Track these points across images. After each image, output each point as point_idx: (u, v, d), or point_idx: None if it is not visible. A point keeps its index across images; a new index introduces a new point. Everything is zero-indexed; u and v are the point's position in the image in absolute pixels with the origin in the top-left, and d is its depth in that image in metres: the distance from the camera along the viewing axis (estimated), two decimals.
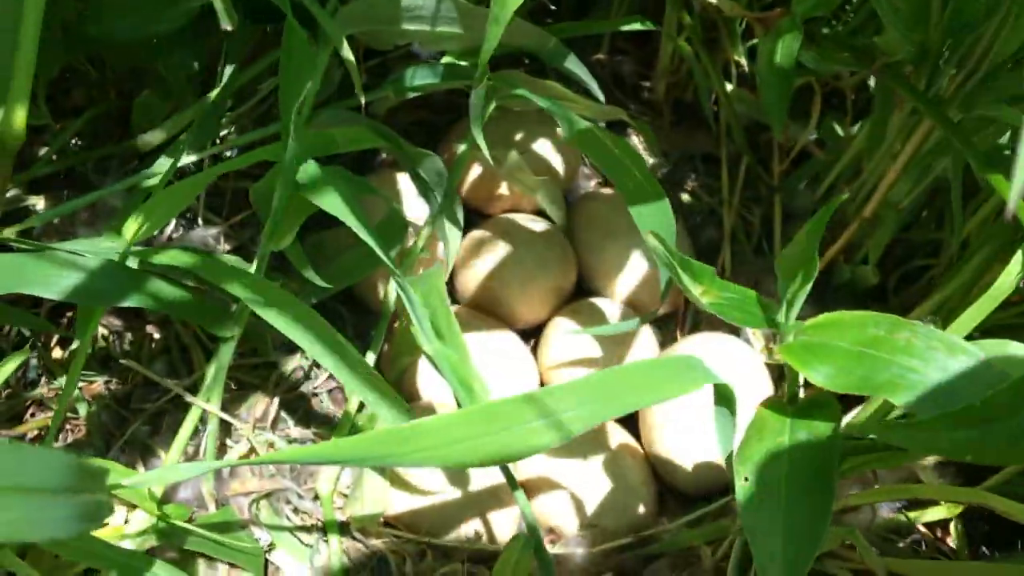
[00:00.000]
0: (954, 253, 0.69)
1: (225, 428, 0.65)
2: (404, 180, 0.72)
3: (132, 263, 0.52)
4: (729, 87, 0.77)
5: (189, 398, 0.59)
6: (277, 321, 0.49)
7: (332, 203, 0.49)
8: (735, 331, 0.75)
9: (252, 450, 0.63)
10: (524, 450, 0.38)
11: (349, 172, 0.57)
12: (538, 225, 0.77)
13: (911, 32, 0.58)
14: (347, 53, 0.58)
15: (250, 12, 0.64)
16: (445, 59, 0.65)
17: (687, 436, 0.67)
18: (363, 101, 0.61)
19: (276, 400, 0.67)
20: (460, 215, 0.65)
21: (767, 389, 0.70)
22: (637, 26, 0.71)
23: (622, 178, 0.57)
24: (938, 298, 0.64)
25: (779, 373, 0.73)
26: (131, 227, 0.51)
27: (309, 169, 0.51)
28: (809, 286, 0.44)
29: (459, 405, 0.53)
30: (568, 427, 0.39)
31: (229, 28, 0.46)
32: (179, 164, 0.61)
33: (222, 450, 0.64)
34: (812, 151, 0.79)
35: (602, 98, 0.67)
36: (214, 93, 0.63)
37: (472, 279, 0.76)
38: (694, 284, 0.44)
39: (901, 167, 0.64)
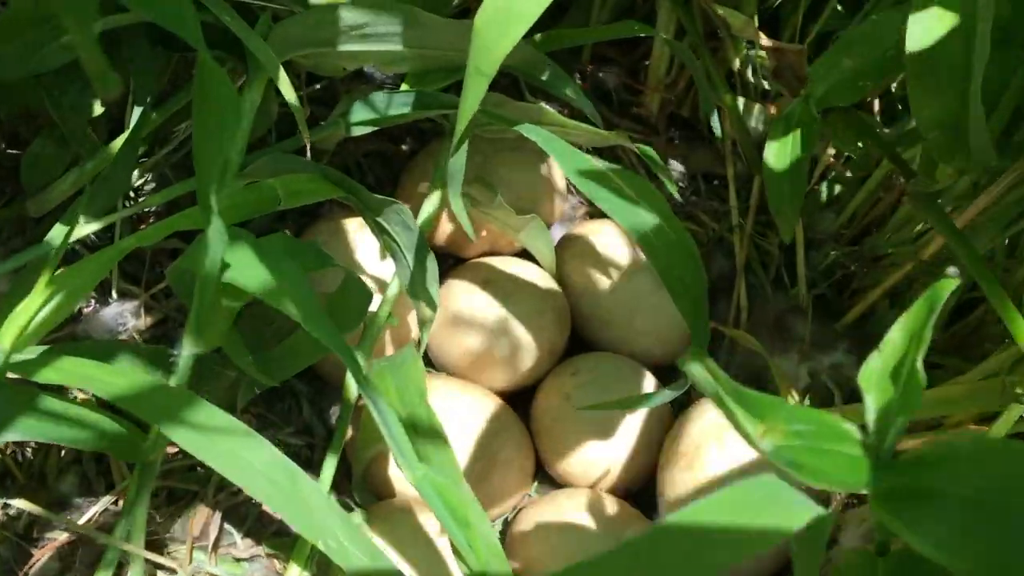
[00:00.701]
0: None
1: (155, 549, 0.53)
2: (359, 224, 0.60)
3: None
4: (739, 100, 0.65)
5: (103, 539, 0.46)
6: (207, 454, 0.37)
7: (272, 291, 0.37)
8: (760, 380, 0.64)
9: None
10: None
11: (292, 238, 0.45)
12: (524, 270, 0.65)
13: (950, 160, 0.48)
14: (286, 87, 0.46)
15: (162, 38, 0.51)
16: (405, 85, 0.53)
17: None
18: (308, 143, 0.49)
19: (218, 512, 0.55)
20: (435, 273, 0.53)
21: None
22: (631, 31, 0.59)
23: (639, 227, 0.46)
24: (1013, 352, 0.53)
25: None
26: (8, 333, 0.38)
27: (238, 250, 0.38)
28: (908, 418, 0.32)
29: (454, 549, 0.41)
30: None
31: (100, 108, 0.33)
32: (80, 234, 0.48)
33: None
34: (835, 166, 0.68)
35: (600, 124, 0.55)
36: (120, 139, 0.50)
37: (449, 339, 0.64)
38: (752, 423, 0.31)
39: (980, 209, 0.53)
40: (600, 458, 0.61)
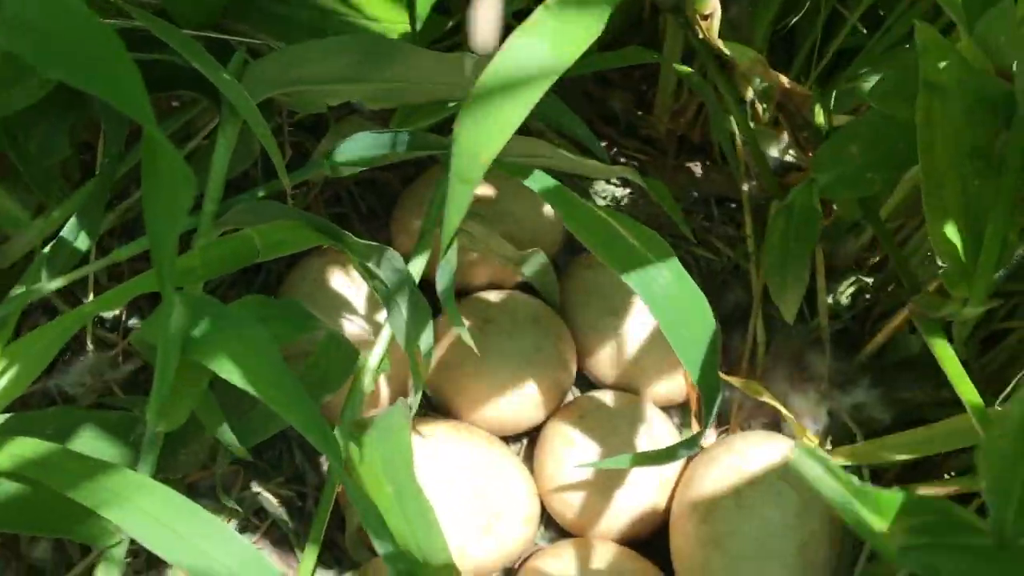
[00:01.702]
0: None
1: None
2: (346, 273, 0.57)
3: None
4: (752, 125, 0.61)
5: None
6: (161, 547, 0.34)
7: (238, 373, 0.34)
8: (774, 424, 0.60)
9: None
10: None
11: (267, 301, 0.41)
12: (529, 307, 0.62)
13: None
14: (260, 131, 0.43)
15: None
16: (395, 123, 0.49)
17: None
18: (288, 189, 0.45)
19: None
20: (428, 321, 0.50)
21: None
22: (640, 59, 0.55)
23: (650, 288, 0.42)
24: None
25: None
26: None
27: (203, 321, 0.35)
28: None
29: None
30: None
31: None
32: (46, 290, 0.45)
33: None
34: None
35: (605, 157, 0.52)
36: (86, 187, 0.47)
37: (448, 383, 0.60)
38: (877, 522, 0.28)
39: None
40: (608, 506, 0.57)
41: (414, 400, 0.49)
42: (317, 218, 0.46)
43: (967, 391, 0.44)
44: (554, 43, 0.34)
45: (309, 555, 0.48)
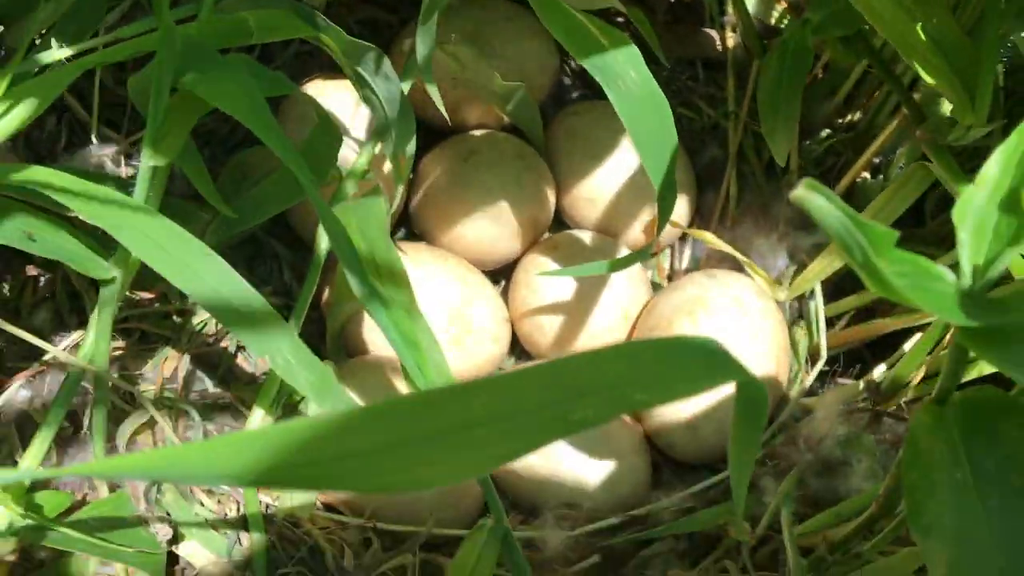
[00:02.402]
0: None
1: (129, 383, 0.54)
2: (342, 91, 0.60)
3: None
4: None
5: (64, 357, 0.47)
6: (162, 265, 0.37)
7: (228, 98, 0.37)
8: (737, 267, 0.63)
9: (152, 421, 0.51)
10: (480, 462, 0.25)
11: (255, 62, 0.45)
12: (510, 144, 0.65)
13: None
14: None
15: None
16: None
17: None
18: None
19: (187, 356, 0.55)
20: (413, 129, 0.53)
21: (782, 333, 0.58)
22: None
23: (613, 81, 0.45)
24: None
25: (797, 313, 0.62)
26: None
27: (197, 55, 0.38)
28: (1013, 253, 0.30)
29: (405, 373, 0.41)
30: (543, 431, 0.26)
31: None
32: (53, 58, 0.48)
33: (120, 417, 0.52)
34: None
35: None
36: None
37: (431, 211, 0.64)
38: (871, 254, 0.29)
39: None
40: (576, 332, 0.61)
41: (396, 196, 0.52)
42: (311, 11, 0.49)
43: None
44: None
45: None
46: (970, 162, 0.56)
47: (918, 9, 0.44)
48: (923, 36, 0.45)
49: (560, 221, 0.68)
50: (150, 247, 0.38)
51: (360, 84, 0.53)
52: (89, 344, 0.46)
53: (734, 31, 0.69)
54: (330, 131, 0.49)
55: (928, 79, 0.46)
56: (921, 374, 0.53)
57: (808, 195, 0.28)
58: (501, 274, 0.67)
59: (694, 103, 0.70)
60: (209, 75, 0.37)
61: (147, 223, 0.38)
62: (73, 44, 0.47)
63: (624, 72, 0.46)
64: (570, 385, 0.26)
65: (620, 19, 0.71)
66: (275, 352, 0.38)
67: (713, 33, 0.70)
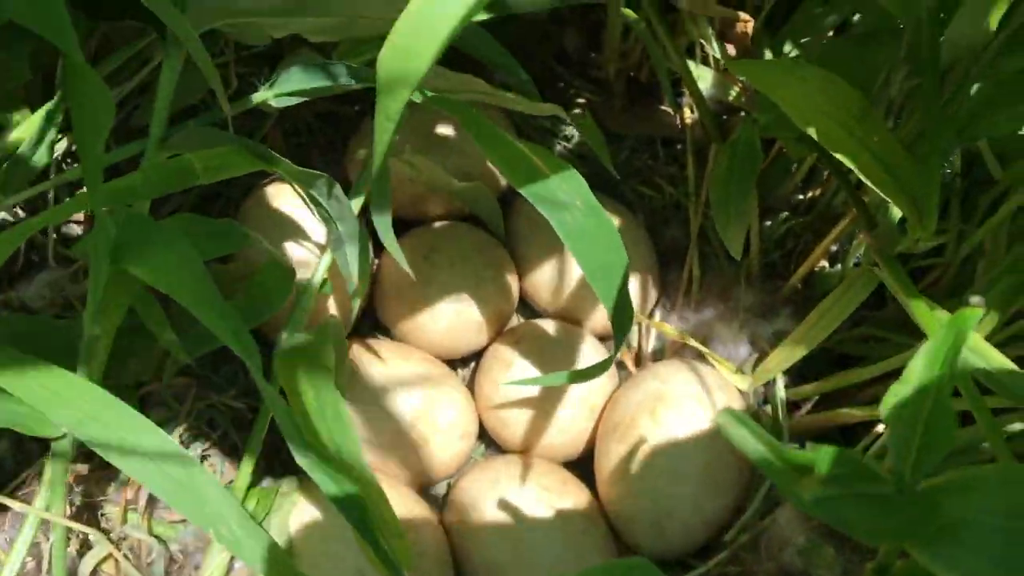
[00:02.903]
0: (969, 249, 0.57)
1: (88, 511, 0.54)
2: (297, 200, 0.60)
3: None
4: (693, 67, 0.64)
5: (19, 507, 0.47)
6: (91, 438, 0.37)
7: (165, 275, 0.37)
8: (701, 357, 0.64)
9: (110, 557, 0.51)
10: None
11: (198, 219, 0.44)
12: (471, 236, 0.65)
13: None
14: (203, 61, 0.46)
15: (85, 6, 0.50)
16: (338, 56, 0.52)
17: (655, 491, 0.56)
18: (228, 115, 0.48)
19: None
20: (367, 244, 0.53)
21: None
22: None
23: (558, 212, 0.45)
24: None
25: (762, 399, 0.62)
26: None
27: (134, 228, 0.38)
28: (937, 459, 0.30)
29: (355, 535, 0.41)
30: None
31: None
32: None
33: (82, 547, 0.52)
34: None
35: (536, 93, 0.54)
36: (43, 110, 0.50)
37: (394, 306, 0.64)
38: (797, 480, 0.28)
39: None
40: (542, 426, 0.61)
41: (351, 319, 0.52)
42: (257, 145, 0.49)
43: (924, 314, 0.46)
44: None
45: (247, 460, 0.52)
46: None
47: (858, 127, 0.44)
48: (866, 154, 0.45)
49: (526, 306, 0.68)
50: (88, 423, 0.38)
51: (314, 203, 0.53)
52: (43, 495, 0.47)
53: (692, 111, 0.69)
54: (277, 271, 0.49)
55: (879, 192, 0.46)
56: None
57: (729, 426, 0.28)
58: (470, 358, 0.67)
59: (655, 182, 0.70)
60: (146, 251, 0.37)
61: (79, 395, 0.38)
62: (20, 191, 0.48)
63: (569, 201, 0.46)
64: None
65: (580, 102, 0.71)
66: (221, 524, 0.38)
67: (671, 112, 0.70)
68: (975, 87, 0.44)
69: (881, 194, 0.46)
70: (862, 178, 0.45)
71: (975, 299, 0.28)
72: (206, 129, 0.49)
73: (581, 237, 0.46)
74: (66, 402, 0.38)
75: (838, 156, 0.43)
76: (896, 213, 0.51)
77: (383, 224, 0.51)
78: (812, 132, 0.43)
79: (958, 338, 0.29)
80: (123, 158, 0.49)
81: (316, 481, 0.38)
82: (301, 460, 0.38)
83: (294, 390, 0.43)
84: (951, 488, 0.29)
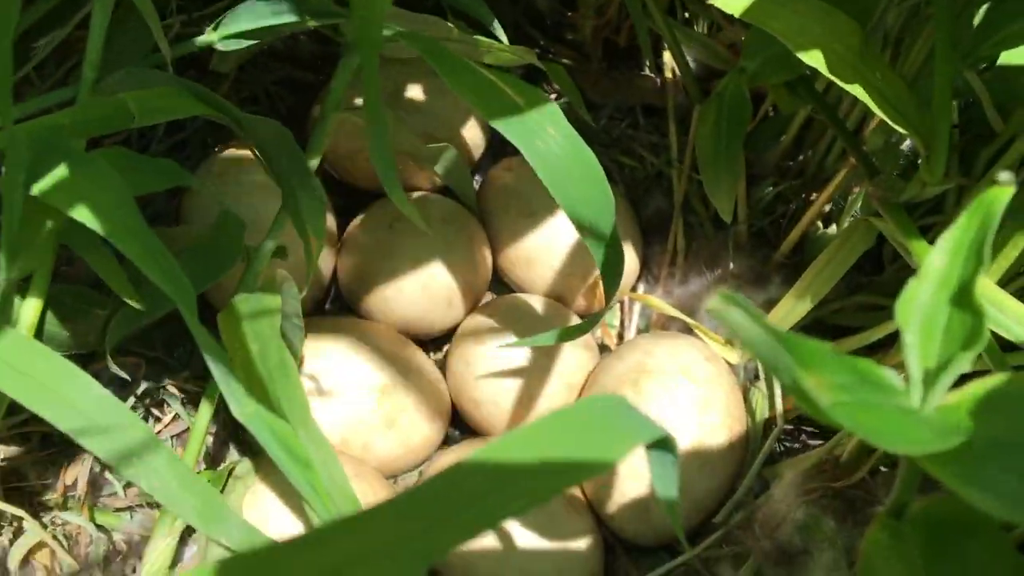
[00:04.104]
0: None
1: (25, 497, 0.49)
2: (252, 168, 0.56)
3: None
4: (676, 28, 0.60)
5: None
6: (20, 393, 0.33)
7: (86, 211, 0.33)
8: (686, 328, 0.60)
9: (44, 545, 0.46)
10: None
11: (131, 154, 0.40)
12: (440, 206, 0.61)
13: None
14: None
15: None
16: None
17: (640, 473, 0.52)
18: (168, 58, 0.44)
19: (90, 459, 0.51)
20: (323, 200, 0.49)
21: (735, 398, 0.54)
22: None
23: (531, 142, 0.41)
24: None
25: (753, 374, 0.58)
26: None
27: (55, 154, 0.34)
28: (966, 362, 0.26)
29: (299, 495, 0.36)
30: (452, 536, 0.23)
31: None
32: None
33: (16, 535, 0.47)
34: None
35: (504, 39, 0.50)
36: None
37: (359, 281, 0.59)
38: (805, 375, 0.24)
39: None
40: (521, 406, 0.57)
41: (306, 280, 0.48)
42: (201, 87, 0.45)
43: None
44: None
45: (195, 438, 0.48)
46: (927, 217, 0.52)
47: (860, 62, 0.41)
48: (872, 90, 0.41)
49: (497, 281, 0.64)
50: (12, 377, 0.33)
51: (266, 159, 0.49)
52: None
53: (674, 75, 0.65)
54: (232, 224, 0.45)
55: (895, 126, 0.42)
56: None
57: (725, 309, 0.24)
58: (443, 340, 0.63)
59: (635, 151, 0.66)
60: (68, 181, 0.33)
61: (14, 351, 0.34)
62: None
63: (541, 130, 0.42)
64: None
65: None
66: (151, 476, 0.34)
67: (653, 77, 0.67)
68: (982, 8, 0.41)
69: (898, 129, 0.42)
70: (879, 114, 0.41)
71: (1004, 175, 0.24)
72: (146, 71, 0.45)
73: (558, 168, 0.41)
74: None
75: (847, 87, 0.39)
76: (897, 159, 0.48)
77: (391, 179, 0.46)
78: (816, 63, 0.40)
79: (985, 221, 0.25)
80: (55, 102, 0.44)
81: (255, 433, 0.34)
82: (239, 410, 0.34)
83: (237, 343, 0.39)
84: (972, 406, 0.25)
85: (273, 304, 0.40)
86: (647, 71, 0.67)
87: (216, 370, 0.34)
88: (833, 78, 0.39)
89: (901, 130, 0.41)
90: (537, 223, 0.61)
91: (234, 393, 0.34)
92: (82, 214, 0.32)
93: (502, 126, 0.40)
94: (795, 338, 0.25)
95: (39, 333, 0.44)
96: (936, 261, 0.25)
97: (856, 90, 0.40)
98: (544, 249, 0.61)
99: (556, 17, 0.66)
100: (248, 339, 0.38)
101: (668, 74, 0.65)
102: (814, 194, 0.60)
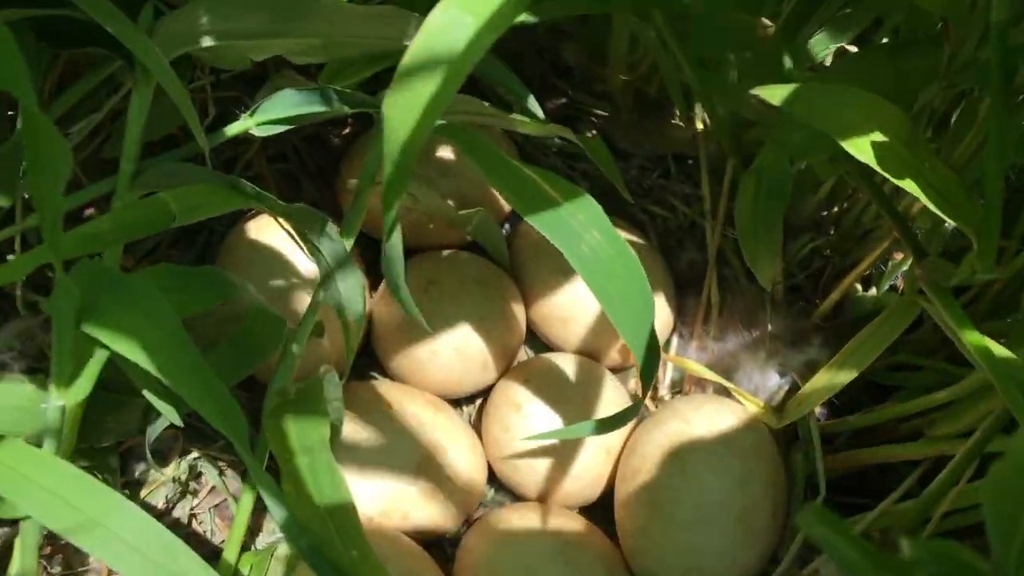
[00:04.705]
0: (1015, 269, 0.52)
1: None
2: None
3: None
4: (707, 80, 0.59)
5: None
6: (61, 526, 0.33)
7: (140, 345, 0.32)
8: (724, 389, 0.59)
9: None
10: None
11: (176, 270, 0.40)
12: (475, 267, 0.60)
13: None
14: (175, 88, 0.41)
15: (48, 33, 0.46)
16: (323, 79, 0.48)
17: (682, 540, 0.51)
18: (206, 149, 0.44)
19: None
20: (362, 284, 0.48)
21: (777, 462, 0.54)
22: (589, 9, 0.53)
23: (575, 245, 0.40)
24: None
25: (790, 436, 0.57)
26: None
27: (102, 285, 0.34)
28: None
29: None
30: None
31: None
32: None
33: None
34: None
35: (541, 114, 0.50)
36: (3, 149, 0.45)
37: (393, 345, 0.59)
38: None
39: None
40: (557, 472, 0.56)
41: (346, 367, 0.48)
42: (238, 180, 0.44)
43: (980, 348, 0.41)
44: (477, 15, 0.31)
45: (238, 526, 0.48)
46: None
47: (908, 154, 0.40)
48: (921, 181, 0.41)
49: (534, 338, 0.63)
50: (48, 501, 0.33)
51: (304, 240, 0.48)
52: (15, 569, 0.42)
53: (705, 125, 0.64)
54: (267, 321, 0.44)
55: (951, 221, 0.41)
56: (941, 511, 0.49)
57: (819, 530, 0.24)
58: (475, 395, 0.62)
59: (668, 201, 0.66)
60: (113, 312, 0.33)
61: (44, 474, 0.34)
62: None
63: (585, 231, 0.41)
64: None
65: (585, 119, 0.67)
66: None
67: (684, 126, 0.66)
68: None
69: (954, 223, 0.41)
70: (932, 208, 0.41)
71: None
72: (181, 165, 0.45)
73: (600, 271, 0.41)
74: (27, 481, 0.34)
75: (899, 182, 0.38)
76: (943, 239, 0.47)
77: (396, 270, 0.46)
78: (866, 157, 0.39)
79: None
80: (91, 198, 0.44)
81: (308, 563, 0.34)
82: (291, 542, 0.33)
83: (286, 454, 0.38)
84: None
85: (321, 418, 0.39)
86: (678, 120, 0.66)
87: (273, 507, 0.34)
88: (884, 173, 0.39)
89: (952, 221, 0.40)
90: (570, 279, 0.60)
91: (288, 526, 0.33)
92: (134, 353, 0.32)
93: (544, 227, 0.40)
94: (888, 559, 0.24)
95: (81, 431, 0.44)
96: (1021, 443, 0.25)
97: (907, 184, 0.39)
98: (577, 306, 0.60)
99: (584, 69, 0.66)
100: (296, 451, 0.38)
101: (699, 124, 0.64)
102: (851, 249, 0.59)
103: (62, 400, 0.35)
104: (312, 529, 0.34)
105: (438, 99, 0.30)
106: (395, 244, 0.44)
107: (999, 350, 0.41)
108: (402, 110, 0.31)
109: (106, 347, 0.34)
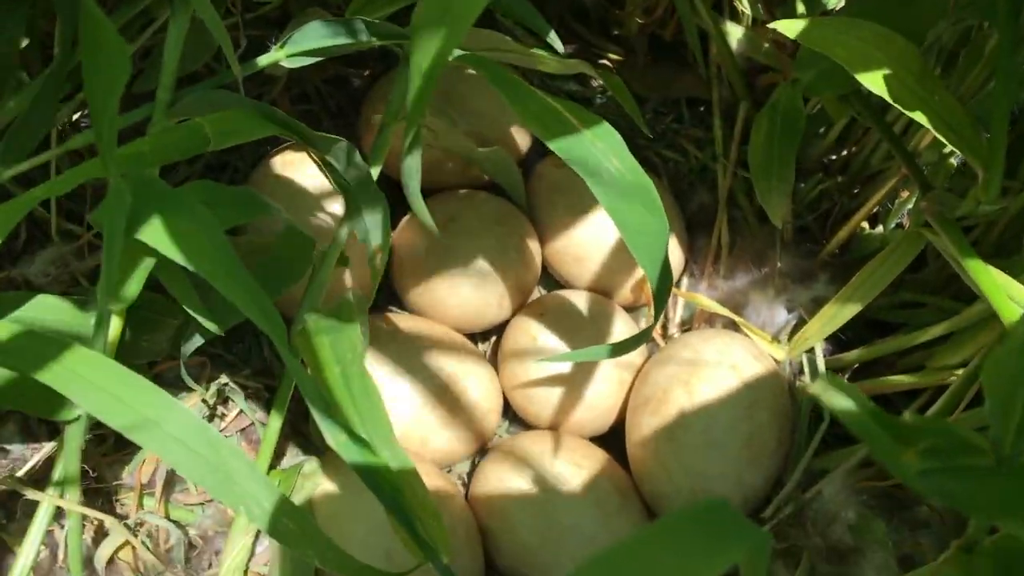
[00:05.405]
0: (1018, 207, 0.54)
1: (103, 497, 0.52)
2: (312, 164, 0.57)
3: None
4: (722, 23, 0.60)
5: (32, 495, 0.44)
6: (112, 417, 0.35)
7: (181, 252, 0.34)
8: (732, 325, 0.61)
9: (127, 544, 0.49)
10: None
11: (215, 186, 0.42)
12: (493, 206, 0.62)
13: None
14: (209, 16, 0.43)
15: None
16: (351, 11, 0.49)
17: (691, 464, 0.54)
18: (240, 78, 0.45)
19: None
20: (387, 211, 0.50)
21: (783, 392, 0.56)
22: None
23: (596, 172, 0.42)
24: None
25: (799, 368, 0.59)
26: None
27: (149, 196, 0.35)
28: None
29: (390, 519, 0.38)
30: None
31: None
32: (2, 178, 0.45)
33: (97, 534, 0.50)
34: None
35: (561, 49, 0.51)
36: (41, 76, 0.47)
37: (412, 280, 0.61)
38: (900, 446, 0.26)
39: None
40: (571, 401, 0.59)
41: (371, 292, 0.50)
42: (270, 108, 0.46)
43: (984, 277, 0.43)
44: None
45: (268, 441, 0.50)
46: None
47: (919, 86, 0.41)
48: (931, 113, 0.42)
49: (546, 273, 0.65)
50: (103, 400, 0.35)
51: (330, 170, 0.50)
52: (58, 475, 0.44)
53: (719, 70, 0.66)
54: (298, 240, 0.46)
55: (959, 151, 0.43)
56: None
57: (828, 395, 0.26)
58: (491, 331, 0.64)
59: (680, 145, 0.67)
60: (163, 220, 0.35)
61: (99, 374, 0.36)
62: (21, 160, 0.45)
63: (605, 159, 0.43)
64: None
65: (601, 62, 0.68)
66: (251, 502, 0.36)
67: (698, 71, 0.67)
68: None
69: (960, 153, 0.43)
70: (941, 139, 0.42)
71: None
72: (216, 92, 0.46)
73: (619, 197, 0.43)
74: (83, 381, 0.36)
75: (910, 113, 0.40)
76: (948, 172, 0.48)
77: (415, 193, 0.48)
78: (879, 89, 0.40)
79: None
80: (127, 124, 0.46)
81: (347, 461, 0.36)
82: (332, 439, 0.35)
83: (318, 366, 0.40)
84: None
85: (354, 332, 0.41)
86: (692, 65, 0.67)
87: (308, 395, 0.36)
88: (896, 105, 0.40)
89: (960, 152, 0.42)
90: (585, 219, 0.62)
91: (326, 420, 0.35)
92: (182, 257, 0.34)
93: (566, 154, 0.42)
94: (893, 420, 0.26)
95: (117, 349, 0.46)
96: (1019, 330, 0.27)
97: (918, 116, 0.41)
98: (591, 245, 0.62)
99: (601, 12, 0.67)
100: (329, 361, 0.40)
101: (713, 69, 0.66)
102: (859, 191, 0.61)
103: (113, 305, 0.37)
104: (346, 427, 0.36)
105: (467, 10, 0.31)
106: (414, 155, 0.45)
107: (1001, 276, 0.43)
108: (431, 21, 0.32)
109: (154, 254, 0.36)
